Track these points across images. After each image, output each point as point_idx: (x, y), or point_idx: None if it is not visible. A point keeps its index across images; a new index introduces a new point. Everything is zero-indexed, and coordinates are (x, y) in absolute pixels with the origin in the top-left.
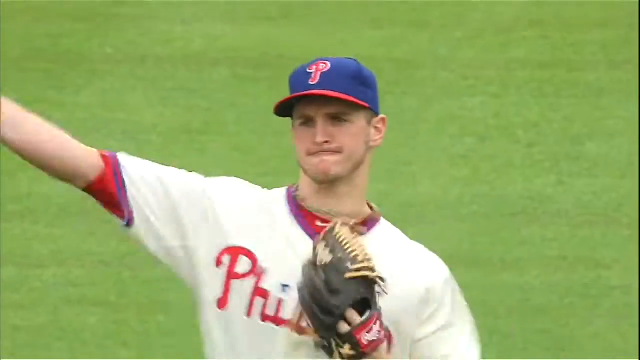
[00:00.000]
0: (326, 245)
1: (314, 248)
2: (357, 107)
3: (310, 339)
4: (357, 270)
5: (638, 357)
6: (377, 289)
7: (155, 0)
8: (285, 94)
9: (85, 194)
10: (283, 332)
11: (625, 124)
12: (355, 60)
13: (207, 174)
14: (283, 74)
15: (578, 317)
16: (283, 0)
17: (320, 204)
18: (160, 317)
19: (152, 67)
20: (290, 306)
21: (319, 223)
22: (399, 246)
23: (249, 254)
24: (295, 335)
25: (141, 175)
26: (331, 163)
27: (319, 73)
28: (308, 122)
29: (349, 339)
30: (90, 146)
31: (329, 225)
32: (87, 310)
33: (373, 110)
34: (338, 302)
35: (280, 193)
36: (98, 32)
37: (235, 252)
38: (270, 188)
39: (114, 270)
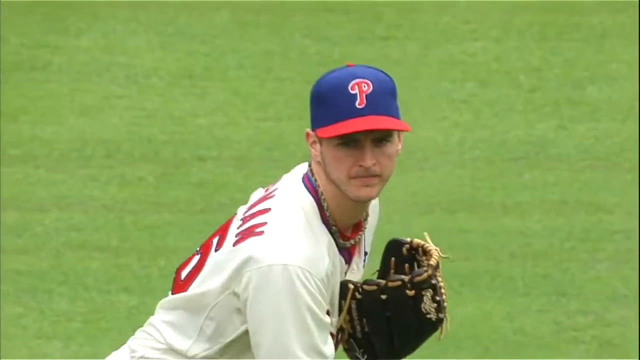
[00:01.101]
0: (431, 282)
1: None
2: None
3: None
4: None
5: (638, 357)
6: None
7: None
8: (286, 40)
9: (87, 138)
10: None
11: (627, 68)
12: (386, 73)
13: (208, 118)
14: (284, 19)
15: (579, 262)
16: None
17: (352, 220)
18: (161, 261)
19: (153, 12)
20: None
21: (350, 238)
22: (371, 220)
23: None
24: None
25: None
26: (373, 188)
27: (364, 95)
28: (349, 143)
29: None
30: (90, 89)
31: (435, 258)
32: (89, 254)
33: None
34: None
35: (316, 222)
36: None
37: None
38: (270, 133)
39: (116, 215)
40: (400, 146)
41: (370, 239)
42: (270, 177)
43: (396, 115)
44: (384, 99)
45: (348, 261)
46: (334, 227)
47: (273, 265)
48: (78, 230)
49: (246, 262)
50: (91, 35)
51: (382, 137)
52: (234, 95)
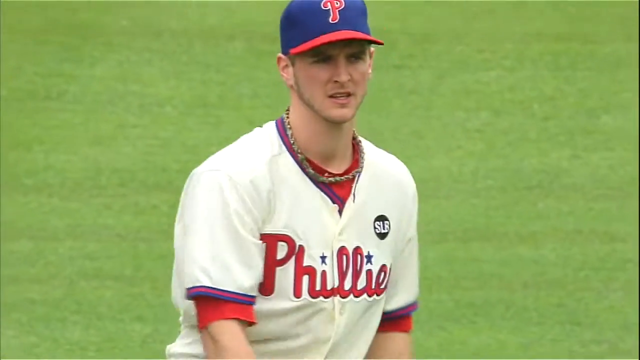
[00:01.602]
0: None
1: None
2: (368, 45)
3: (359, 300)
4: None
5: (638, 357)
6: None
7: None
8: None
9: (101, 167)
10: (335, 300)
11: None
12: None
13: (222, 147)
14: None
15: (593, 291)
16: None
17: (321, 146)
18: None
19: (167, 41)
20: (331, 275)
21: (326, 174)
22: (386, 178)
23: (284, 237)
24: (344, 301)
25: None
26: (348, 109)
27: (336, 11)
28: (324, 60)
29: None
30: (104, 119)
31: None
32: (103, 283)
33: (373, 42)
34: None
35: (277, 146)
36: (114, 5)
37: (271, 240)
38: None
39: (130, 244)
40: (370, 70)
41: (399, 217)
42: None
43: (369, 32)
44: (357, 15)
45: (336, 202)
46: (299, 154)
47: (202, 172)
48: (92, 259)
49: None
50: (105, 65)
51: (356, 54)
52: (248, 124)
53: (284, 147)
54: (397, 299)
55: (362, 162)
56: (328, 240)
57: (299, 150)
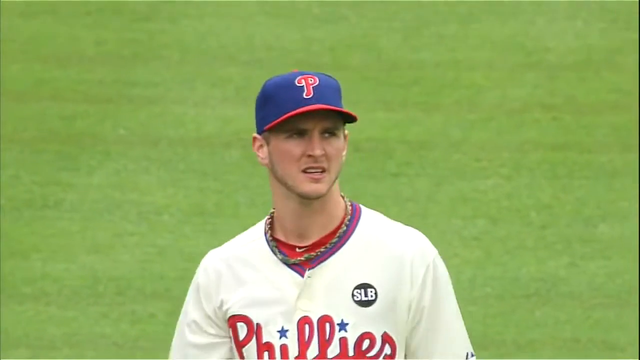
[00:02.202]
0: None
1: None
2: (341, 122)
3: None
4: None
5: (638, 357)
6: None
7: (168, 82)
8: None
9: (99, 276)
10: None
11: (638, 206)
12: (330, 75)
13: None
14: None
15: None
16: None
17: (297, 224)
18: None
19: (164, 149)
20: (293, 347)
21: (298, 250)
22: (379, 248)
23: (242, 318)
24: None
25: None
26: (322, 184)
27: (310, 87)
28: (298, 135)
29: None
30: (102, 227)
31: None
32: None
33: (349, 121)
34: None
35: (258, 231)
36: (111, 114)
37: (232, 322)
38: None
39: (127, 353)
40: (345, 151)
41: (392, 286)
42: None
43: (339, 106)
44: (331, 92)
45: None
46: (271, 241)
47: None
48: None
49: None
50: (102, 173)
51: (330, 129)
52: None
53: (261, 233)
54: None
55: (341, 233)
56: (290, 313)
57: (271, 235)
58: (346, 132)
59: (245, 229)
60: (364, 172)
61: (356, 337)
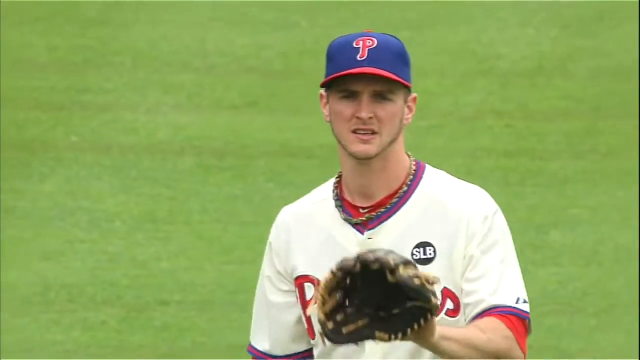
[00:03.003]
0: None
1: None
2: (399, 86)
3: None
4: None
5: (638, 357)
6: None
7: (120, 89)
8: (250, 184)
9: (50, 283)
10: None
11: (589, 213)
12: (397, 37)
13: (172, 262)
14: (247, 163)
15: None
16: (247, 89)
17: (358, 183)
18: None
19: (116, 156)
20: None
21: (361, 210)
22: (439, 206)
23: (308, 278)
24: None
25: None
26: (371, 145)
27: (367, 49)
28: (350, 96)
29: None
30: (53, 234)
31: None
32: None
33: (410, 87)
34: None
35: (328, 190)
36: (63, 121)
37: (298, 282)
38: (234, 277)
39: None
40: (410, 117)
41: (451, 243)
42: (234, 321)
43: (400, 75)
44: (388, 55)
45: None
46: (337, 200)
47: None
48: None
49: None
50: (54, 180)
51: (382, 92)
52: (197, 239)
53: (330, 192)
54: (480, 301)
55: (402, 193)
56: None
57: (338, 195)
58: (413, 94)
59: (197, 235)
60: (316, 179)
61: None
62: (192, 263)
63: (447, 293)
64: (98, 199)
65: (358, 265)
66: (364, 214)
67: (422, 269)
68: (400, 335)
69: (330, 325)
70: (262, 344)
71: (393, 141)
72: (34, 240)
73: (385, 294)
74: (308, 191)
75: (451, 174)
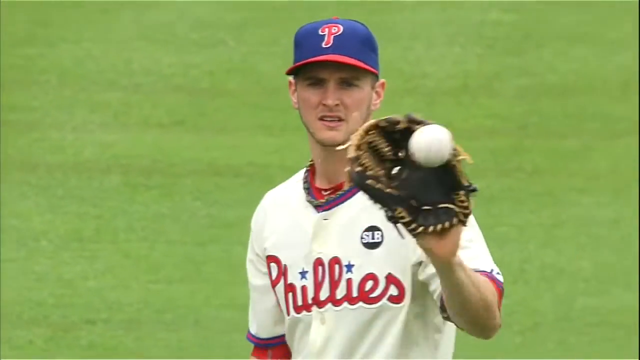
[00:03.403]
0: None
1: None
2: (365, 73)
3: (348, 310)
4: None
5: (638, 357)
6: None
7: (46, 107)
8: (177, 202)
9: None
10: (315, 315)
11: (516, 231)
12: (363, 24)
13: (98, 281)
14: (174, 182)
15: None
16: (174, 107)
17: (324, 168)
18: None
19: (43, 175)
20: (310, 287)
21: (323, 193)
22: None
23: (274, 259)
24: (322, 310)
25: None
26: (337, 132)
27: (332, 36)
28: (316, 83)
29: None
30: None
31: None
32: None
33: (378, 74)
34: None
35: (301, 174)
36: None
37: (267, 262)
38: (161, 296)
39: None
40: (378, 102)
41: None
42: (161, 340)
43: (366, 61)
44: (353, 42)
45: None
46: (305, 182)
47: None
48: None
49: None
50: None
51: (347, 79)
52: (124, 258)
53: (302, 175)
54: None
55: None
56: (308, 255)
57: (307, 178)
58: (382, 80)
59: (123, 254)
60: (243, 198)
61: (360, 278)
62: (118, 282)
63: (391, 279)
64: (25, 217)
65: (405, 121)
66: (325, 197)
67: (369, 254)
68: (429, 228)
69: (357, 168)
70: (252, 327)
71: (358, 127)
72: None
73: (424, 182)
74: (235, 210)
75: None
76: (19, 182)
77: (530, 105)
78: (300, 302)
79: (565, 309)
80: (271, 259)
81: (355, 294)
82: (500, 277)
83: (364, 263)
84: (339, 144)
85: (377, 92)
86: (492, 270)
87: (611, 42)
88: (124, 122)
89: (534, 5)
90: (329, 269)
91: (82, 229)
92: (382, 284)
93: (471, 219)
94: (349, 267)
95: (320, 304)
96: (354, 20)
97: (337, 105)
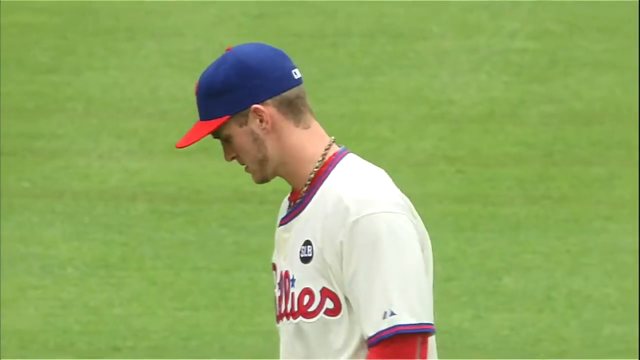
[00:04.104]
0: None
1: None
2: (222, 127)
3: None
4: None
5: (638, 357)
6: None
7: (72, 135)
8: (203, 229)
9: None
10: (279, 327)
11: (541, 258)
12: (217, 63)
13: (124, 308)
14: (200, 209)
15: None
16: None
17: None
18: None
19: (69, 202)
20: (278, 301)
21: (293, 202)
22: (328, 203)
23: (274, 267)
24: (279, 325)
25: None
26: (253, 176)
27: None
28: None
29: None
30: (5, 280)
31: None
32: None
33: (238, 110)
34: None
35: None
36: (15, 167)
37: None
38: (187, 323)
39: None
40: (265, 123)
41: (326, 242)
42: None
43: (209, 116)
44: (200, 102)
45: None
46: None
47: None
48: None
49: None
50: (6, 226)
51: (222, 138)
52: (150, 285)
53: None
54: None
55: (305, 189)
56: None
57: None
58: (252, 107)
59: (150, 281)
60: (269, 225)
61: (299, 292)
62: (144, 309)
63: (326, 293)
64: (50, 245)
65: None
66: (294, 204)
67: (305, 268)
68: None
69: None
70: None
71: (265, 159)
72: None
73: None
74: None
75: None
76: (44, 209)
77: (556, 133)
78: (277, 312)
79: (593, 337)
80: (273, 266)
81: (296, 308)
82: (396, 320)
83: (302, 277)
84: (264, 181)
85: (256, 118)
86: (384, 315)
87: (637, 69)
88: (150, 150)
89: (560, 33)
90: (284, 282)
91: (108, 256)
92: (317, 298)
93: (379, 233)
94: (292, 281)
95: (280, 316)
96: (214, 62)
97: (232, 158)
